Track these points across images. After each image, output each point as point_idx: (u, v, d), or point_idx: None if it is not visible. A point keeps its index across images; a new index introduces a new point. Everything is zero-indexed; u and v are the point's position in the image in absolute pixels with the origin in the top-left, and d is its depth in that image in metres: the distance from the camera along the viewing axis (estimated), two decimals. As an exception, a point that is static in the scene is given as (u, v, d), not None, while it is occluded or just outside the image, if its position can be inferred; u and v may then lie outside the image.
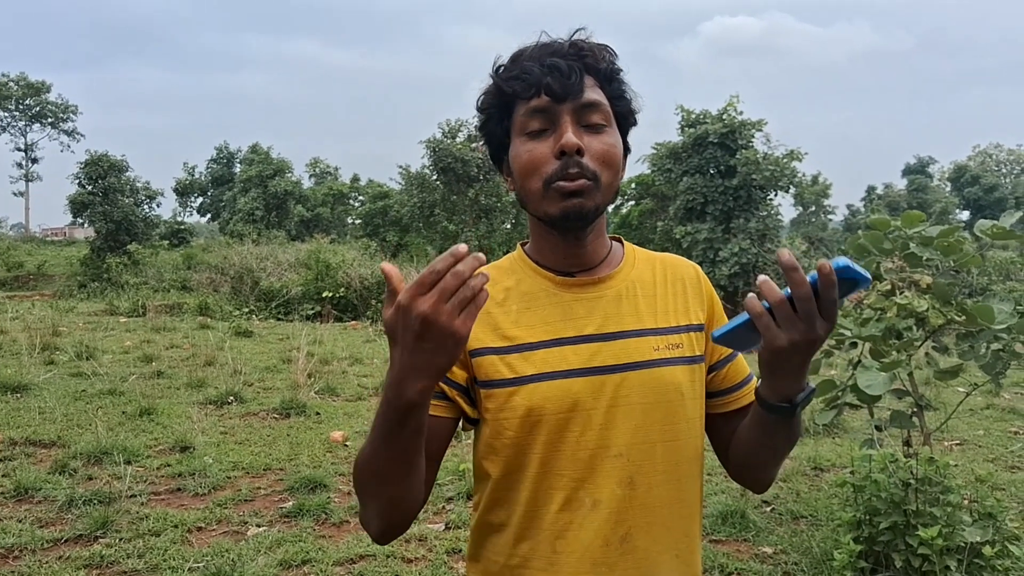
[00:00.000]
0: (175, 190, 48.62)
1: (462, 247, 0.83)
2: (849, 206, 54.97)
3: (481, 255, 0.84)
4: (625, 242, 1.28)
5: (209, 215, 50.00)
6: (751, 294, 0.93)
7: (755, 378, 1.19)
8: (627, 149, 1.19)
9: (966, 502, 3.72)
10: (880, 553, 3.63)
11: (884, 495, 3.67)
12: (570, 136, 1.06)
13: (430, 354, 0.87)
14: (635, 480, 1.10)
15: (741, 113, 22.24)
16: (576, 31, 1.14)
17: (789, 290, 0.89)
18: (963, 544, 3.42)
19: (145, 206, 33.12)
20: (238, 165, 45.67)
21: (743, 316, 0.94)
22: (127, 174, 31.99)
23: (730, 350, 1.19)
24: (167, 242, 35.23)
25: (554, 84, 1.07)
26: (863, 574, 3.57)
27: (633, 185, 27.61)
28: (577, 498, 1.09)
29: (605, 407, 1.10)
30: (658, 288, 1.21)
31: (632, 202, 28.55)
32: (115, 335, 12.25)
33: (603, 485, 1.09)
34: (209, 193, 48.83)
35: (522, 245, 1.25)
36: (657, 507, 1.12)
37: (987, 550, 3.37)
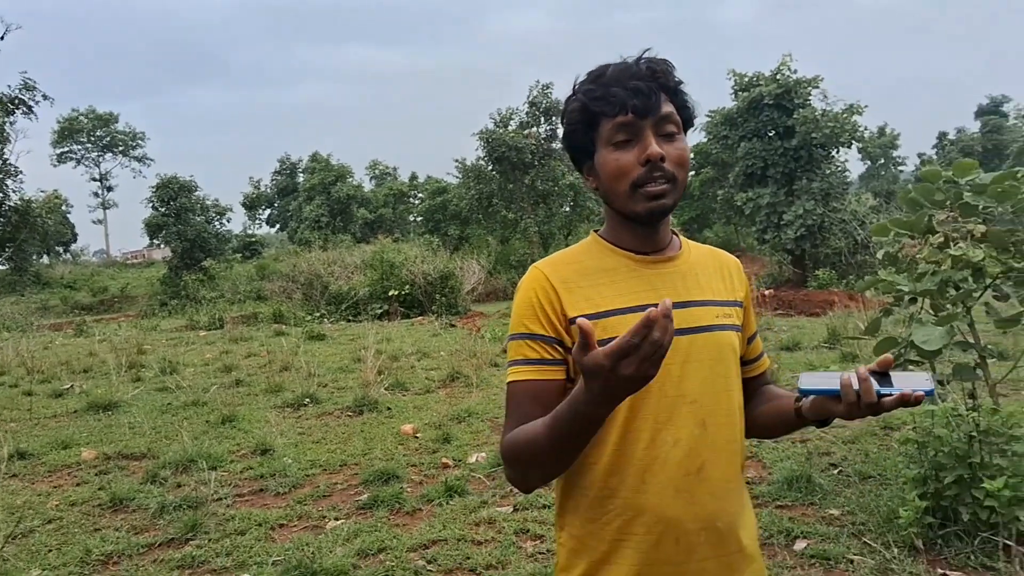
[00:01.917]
0: (243, 204, 50.13)
1: (654, 312, 0.97)
2: (921, 155, 52.88)
3: (669, 302, 0.98)
4: (680, 234, 1.51)
5: (277, 225, 51.41)
6: (849, 378, 1.16)
7: (765, 355, 1.58)
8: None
9: (1036, 451, 3.64)
10: (947, 508, 3.59)
11: (948, 449, 3.63)
12: (655, 147, 1.28)
13: (624, 392, 1.06)
14: (706, 422, 1.33)
15: (795, 72, 21.69)
16: (646, 50, 1.36)
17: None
18: (1033, 493, 3.37)
19: (216, 222, 34.40)
20: (301, 175, 46.77)
21: (835, 388, 1.18)
22: (196, 193, 33.24)
23: (755, 329, 1.54)
24: (239, 255, 36.50)
25: (639, 104, 1.29)
26: (931, 529, 3.55)
27: (691, 155, 27.26)
28: (660, 438, 1.30)
29: (681, 362, 1.32)
30: (711, 270, 1.45)
31: (691, 173, 28.18)
32: (196, 349, 12.81)
33: (682, 426, 1.31)
34: (276, 204, 50.17)
35: (595, 232, 1.46)
36: (722, 444, 1.34)
37: (1058, 498, 3.32)
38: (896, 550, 3.47)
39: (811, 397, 1.27)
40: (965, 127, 54.78)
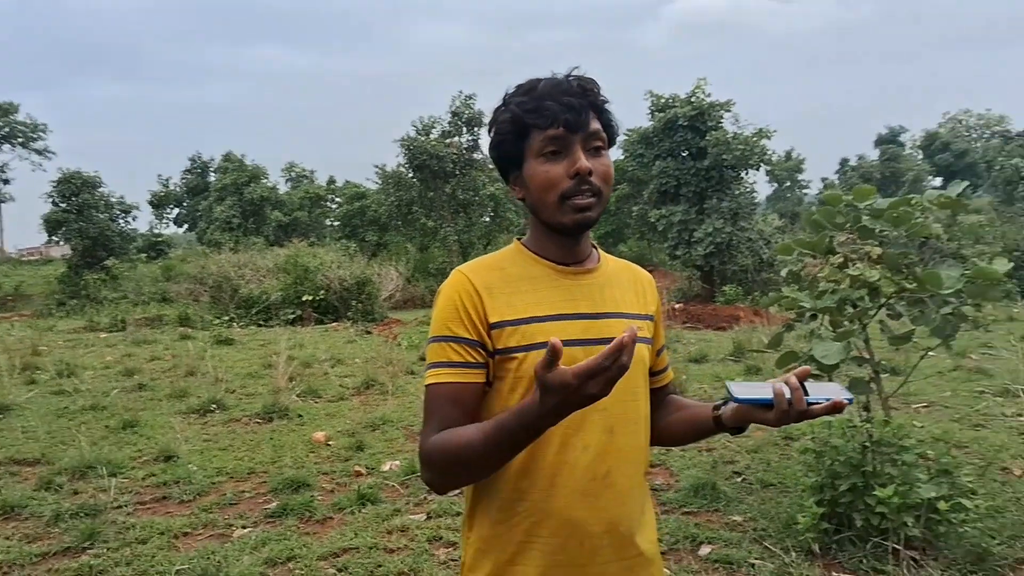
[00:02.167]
0: (150, 203, 48.24)
1: (627, 338, 1.03)
2: (824, 179, 55.55)
3: (635, 329, 1.06)
4: (598, 247, 1.56)
5: (186, 226, 49.70)
6: (780, 386, 1.23)
7: (670, 368, 1.65)
8: None
9: (922, 461, 3.87)
10: (842, 514, 3.78)
11: (843, 459, 3.82)
12: (584, 161, 1.34)
13: (576, 408, 1.11)
14: (614, 429, 1.38)
15: (709, 95, 22.41)
16: (574, 68, 1.41)
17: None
18: (919, 501, 3.57)
19: (121, 220, 32.93)
20: (212, 174, 45.35)
21: (768, 397, 1.24)
22: (100, 190, 31.80)
23: (663, 343, 1.61)
24: (145, 255, 35.05)
25: (571, 119, 1.34)
26: (826, 535, 3.72)
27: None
28: (571, 443, 1.34)
29: None
30: (626, 284, 1.51)
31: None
32: (96, 351, 12.26)
33: (591, 433, 1.35)
34: (185, 204, 48.51)
35: (518, 240, 1.49)
36: (627, 451, 1.39)
37: (942, 505, 3.53)
38: (794, 554, 3.63)
39: (732, 406, 1.34)
40: (865, 154, 57.77)
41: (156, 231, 46.05)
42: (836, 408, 1.20)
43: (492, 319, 1.35)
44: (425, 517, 4.42)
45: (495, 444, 1.20)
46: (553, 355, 1.05)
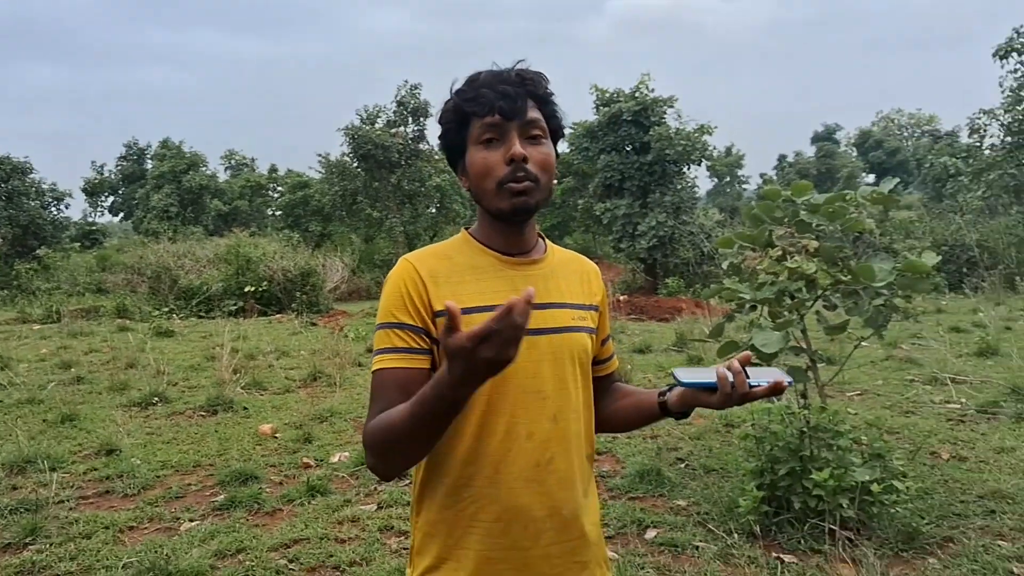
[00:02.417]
0: (84, 190, 46.60)
1: (515, 299, 1.02)
2: (762, 175, 56.58)
3: (532, 290, 1.03)
4: (545, 239, 1.58)
5: (122, 214, 48.21)
6: (724, 371, 1.28)
7: (615, 357, 1.69)
8: (557, 155, 1.49)
9: (856, 446, 4.05)
10: (781, 498, 3.93)
11: (782, 444, 3.98)
12: (518, 147, 1.37)
13: (485, 374, 1.10)
14: (557, 416, 1.41)
15: (653, 91, 22.70)
16: (519, 61, 1.45)
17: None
18: (854, 484, 3.74)
19: (53, 208, 31.82)
20: (150, 161, 44.08)
21: (712, 381, 1.29)
22: (32, 176, 30.67)
23: (608, 333, 1.64)
24: (78, 244, 33.96)
25: (505, 106, 1.37)
26: (766, 517, 3.87)
27: (556, 162, 27.84)
28: (515, 431, 1.37)
29: (537, 360, 1.40)
30: (571, 275, 1.54)
31: (554, 182, 28.82)
32: (29, 343, 11.87)
33: (535, 420, 1.39)
34: (120, 192, 47.02)
35: (466, 229, 1.51)
36: (570, 437, 1.43)
37: (875, 487, 3.71)
38: (737, 536, 3.77)
39: (678, 391, 1.40)
40: (802, 151, 59.18)
41: (90, 220, 44.64)
42: (777, 389, 1.25)
43: (437, 307, 1.38)
44: (376, 507, 4.44)
45: (419, 418, 1.19)
46: (451, 320, 1.04)
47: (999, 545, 3.63)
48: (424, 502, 1.43)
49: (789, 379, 1.26)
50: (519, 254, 1.47)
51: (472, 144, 1.40)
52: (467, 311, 1.35)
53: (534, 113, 1.40)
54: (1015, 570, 3.37)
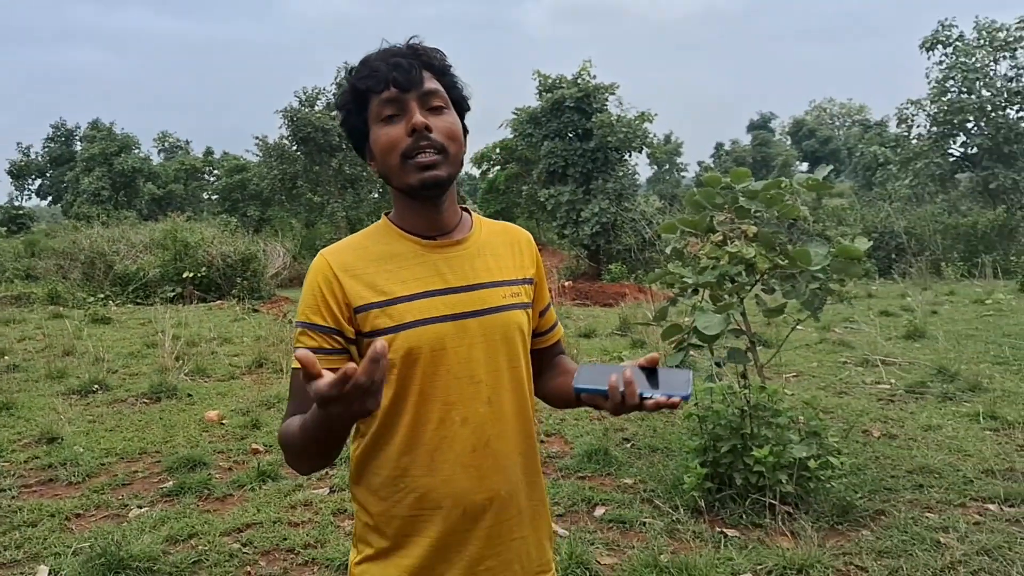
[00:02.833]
0: (9, 173, 44.82)
1: (376, 352, 0.98)
2: (700, 163, 57.69)
3: (383, 343, 1.00)
4: (472, 212, 1.54)
5: (50, 198, 46.51)
6: (616, 380, 1.22)
7: (559, 325, 1.65)
8: (465, 130, 1.44)
9: (794, 424, 4.24)
10: (723, 474, 4.09)
11: (724, 422, 4.14)
12: (418, 117, 1.32)
13: (350, 418, 1.09)
14: (491, 399, 1.40)
15: (595, 77, 22.88)
16: (411, 38, 1.41)
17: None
18: (792, 460, 3.92)
19: (-25, 191, 30.52)
20: (79, 143, 42.61)
21: (604, 388, 1.24)
22: (-49, 157, 29.30)
23: (547, 302, 1.60)
24: (4, 229, 32.64)
25: (400, 78, 1.33)
26: (709, 493, 4.03)
27: (498, 150, 27.88)
28: (449, 417, 1.36)
29: (468, 344, 1.38)
30: (500, 249, 1.50)
31: (498, 167, 28.88)
32: (-44, 331, 11.43)
33: (469, 406, 1.37)
34: (48, 174, 45.34)
35: (386, 215, 1.47)
36: (508, 418, 1.42)
37: (812, 463, 3.89)
38: (682, 512, 3.92)
39: None
40: (739, 139, 60.47)
41: (16, 204, 42.92)
42: (669, 405, 1.20)
43: (356, 303, 1.35)
44: (328, 491, 4.47)
45: (311, 436, 1.21)
46: (306, 368, 1.00)
47: (927, 517, 3.86)
48: (361, 493, 1.43)
49: (687, 392, 1.21)
50: (440, 235, 1.43)
51: (373, 123, 1.37)
52: (390, 303, 1.35)
53: (432, 83, 1.36)
54: (942, 539, 3.58)
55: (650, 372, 1.25)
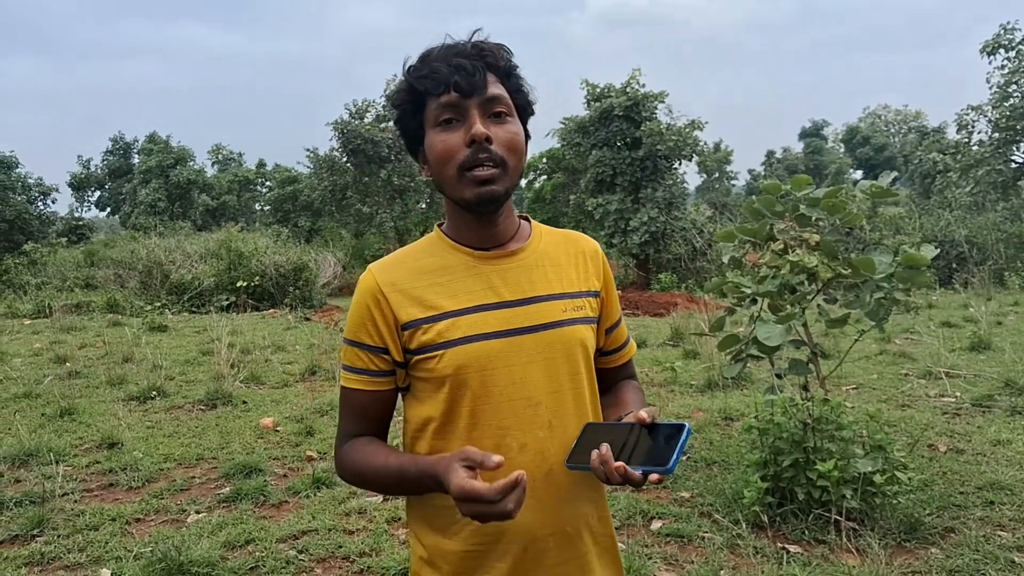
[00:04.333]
0: (70, 185, 46.18)
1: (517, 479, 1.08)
2: (751, 171, 56.86)
3: (522, 473, 1.07)
4: (532, 220, 1.45)
5: (108, 209, 47.87)
6: (596, 457, 1.17)
7: (631, 344, 1.54)
8: (527, 136, 1.34)
9: (858, 438, 4.11)
10: (785, 488, 3.98)
11: (785, 435, 4.03)
12: (479, 127, 1.21)
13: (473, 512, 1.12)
14: (553, 424, 1.29)
15: (643, 86, 22.73)
16: (475, 31, 1.30)
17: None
18: (856, 474, 3.80)
19: (39, 203, 31.55)
20: (136, 156, 43.80)
21: (589, 467, 1.19)
22: (18, 171, 30.39)
23: (617, 317, 1.49)
24: (65, 239, 33.67)
25: (461, 82, 1.22)
26: (770, 508, 3.92)
27: (544, 160, 27.88)
28: (505, 444, 1.26)
29: (523, 363, 1.28)
30: (562, 259, 1.39)
31: (545, 176, 28.85)
32: (22, 338, 11.80)
33: (527, 431, 1.27)
34: (107, 186, 46.68)
35: (439, 226, 1.39)
36: (570, 444, 1.29)
37: (877, 478, 3.76)
38: (743, 526, 3.81)
39: None
40: (790, 147, 59.48)
41: (77, 215, 44.28)
42: (653, 480, 1.11)
43: (403, 319, 1.28)
44: (382, 499, 4.46)
45: (399, 489, 1.28)
46: (471, 460, 1.11)
47: (999, 535, 3.70)
48: (415, 521, 1.37)
49: (669, 468, 1.09)
50: (495, 247, 1.33)
51: (430, 127, 1.27)
52: (437, 318, 1.27)
53: (496, 88, 1.25)
54: (1016, 559, 3.43)
55: (651, 428, 1.17)
